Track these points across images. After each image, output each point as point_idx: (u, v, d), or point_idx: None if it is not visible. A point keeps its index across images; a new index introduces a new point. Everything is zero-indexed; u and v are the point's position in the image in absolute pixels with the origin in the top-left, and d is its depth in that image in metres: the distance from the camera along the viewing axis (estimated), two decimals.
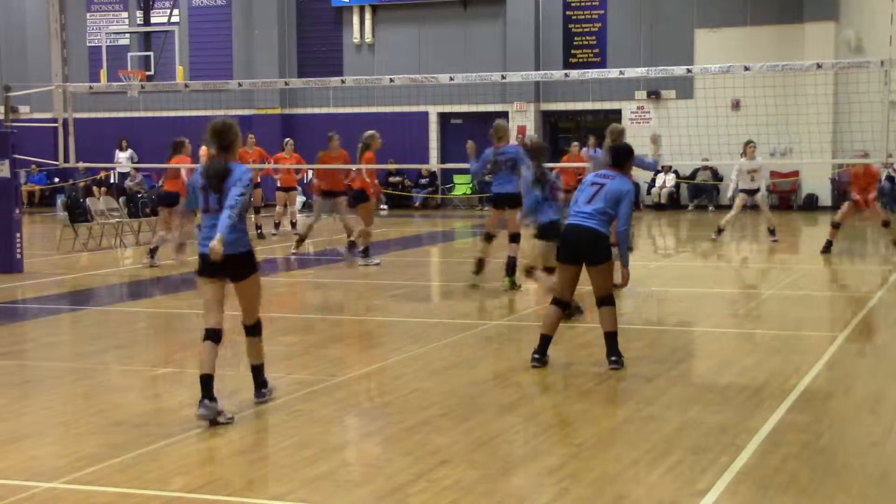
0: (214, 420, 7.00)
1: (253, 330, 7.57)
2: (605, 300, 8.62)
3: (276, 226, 21.27)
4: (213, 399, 7.02)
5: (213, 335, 7.25)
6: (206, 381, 7.05)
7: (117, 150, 28.84)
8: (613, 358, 8.64)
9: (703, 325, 11.09)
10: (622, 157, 9.01)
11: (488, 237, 13.38)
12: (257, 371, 7.66)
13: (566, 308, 8.99)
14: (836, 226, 16.64)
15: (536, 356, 8.74)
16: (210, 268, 7.18)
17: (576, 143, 17.74)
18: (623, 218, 8.63)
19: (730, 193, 19.58)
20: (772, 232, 18.09)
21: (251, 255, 7.30)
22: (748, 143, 18.79)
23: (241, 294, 7.40)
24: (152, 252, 15.87)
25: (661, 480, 5.86)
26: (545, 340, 8.77)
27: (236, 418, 7.17)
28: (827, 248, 16.46)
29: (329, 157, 17.09)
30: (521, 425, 7.03)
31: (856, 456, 6.32)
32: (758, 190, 18.41)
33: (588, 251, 8.58)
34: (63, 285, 14.41)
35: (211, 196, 7.20)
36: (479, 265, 13.35)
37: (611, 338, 8.66)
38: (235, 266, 7.21)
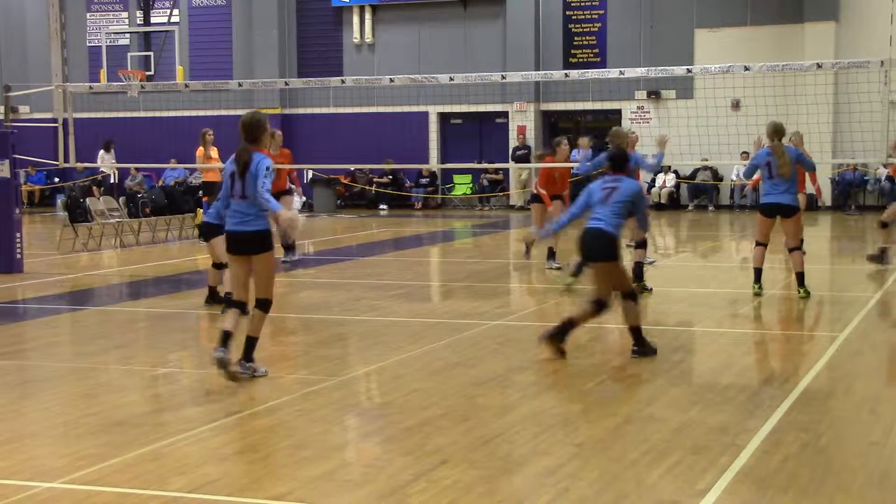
0: (226, 366, 7.96)
1: (260, 304, 8.31)
2: (626, 296, 8.96)
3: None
4: (227, 348, 7.97)
5: (238, 305, 8.28)
6: (225, 335, 8.05)
7: (101, 151, 28.32)
8: (635, 348, 9.04)
9: (703, 325, 11.09)
10: (623, 163, 9.38)
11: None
12: (248, 343, 8.32)
13: (606, 308, 9.08)
14: (884, 225, 15.21)
15: (554, 335, 9.12)
16: (235, 245, 8.24)
17: (566, 144, 17.73)
18: (643, 222, 9.76)
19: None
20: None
21: (268, 234, 8.23)
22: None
23: (256, 269, 8.26)
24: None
25: (661, 480, 5.86)
26: (562, 328, 9.18)
27: (267, 371, 8.28)
28: (881, 257, 14.85)
29: (272, 157, 16.68)
30: (521, 425, 7.03)
31: (856, 456, 6.32)
32: None
33: (594, 250, 8.87)
34: (63, 285, 14.41)
35: (236, 182, 8.18)
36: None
37: (633, 332, 9.03)
38: (253, 242, 8.18)
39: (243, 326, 8.29)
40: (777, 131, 12.12)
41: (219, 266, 11.83)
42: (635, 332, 9.03)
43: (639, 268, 12.61)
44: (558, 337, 9.06)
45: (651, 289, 12.65)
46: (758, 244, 12.38)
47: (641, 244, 12.72)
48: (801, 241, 12.35)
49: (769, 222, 12.22)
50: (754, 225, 12.72)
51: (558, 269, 14.37)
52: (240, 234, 8.20)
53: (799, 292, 12.03)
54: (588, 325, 10.69)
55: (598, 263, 8.89)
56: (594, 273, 9.01)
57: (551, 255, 14.71)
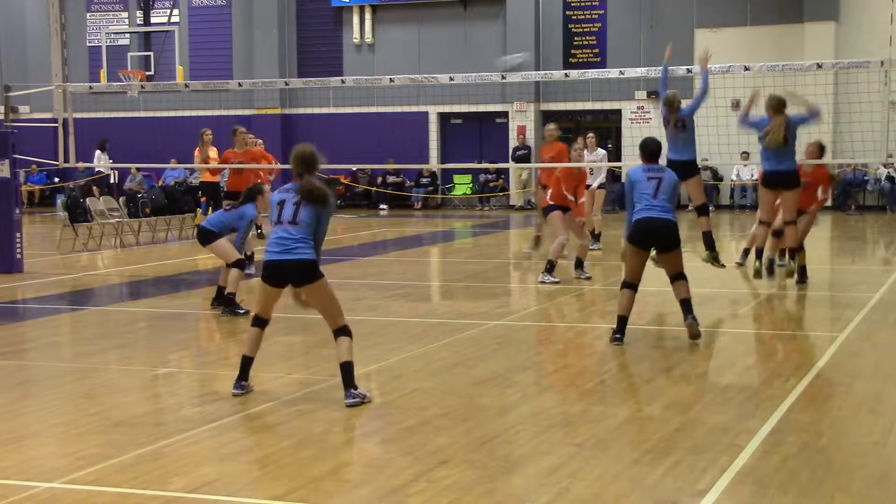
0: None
1: (344, 331, 7.71)
2: (680, 276, 9.76)
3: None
4: (246, 379, 7.82)
5: (260, 322, 7.85)
6: (246, 364, 7.84)
7: (97, 151, 28.23)
8: (690, 317, 9.66)
9: (703, 325, 11.08)
10: (657, 150, 9.97)
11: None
12: (348, 371, 7.64)
13: (636, 289, 9.72)
14: None
15: (617, 336, 9.61)
16: (273, 276, 7.67)
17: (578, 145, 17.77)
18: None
19: None
20: None
21: (314, 264, 7.62)
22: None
23: (317, 300, 7.76)
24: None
25: (661, 480, 5.86)
26: (622, 321, 9.66)
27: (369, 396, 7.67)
28: None
29: (235, 154, 16.34)
30: (521, 425, 7.03)
31: (856, 456, 6.32)
32: None
33: (666, 239, 9.66)
34: (63, 285, 14.41)
35: (289, 209, 7.59)
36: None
37: (686, 303, 9.71)
38: (297, 272, 7.62)
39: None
40: (771, 106, 12.27)
41: (237, 264, 11.64)
42: (686, 303, 9.73)
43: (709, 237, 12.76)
44: (690, 316, 9.69)
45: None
46: (760, 223, 12.51)
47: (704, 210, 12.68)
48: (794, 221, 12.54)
49: (772, 195, 12.36)
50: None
51: (587, 277, 13.70)
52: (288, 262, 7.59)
53: (787, 265, 12.44)
54: (588, 325, 10.70)
55: (674, 251, 9.71)
56: (668, 259, 9.77)
57: (579, 264, 13.91)
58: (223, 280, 11.78)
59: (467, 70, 25.87)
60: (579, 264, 13.99)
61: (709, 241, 12.50)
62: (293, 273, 7.60)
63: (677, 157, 12.30)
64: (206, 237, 11.44)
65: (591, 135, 18.80)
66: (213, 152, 18.31)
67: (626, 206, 10.04)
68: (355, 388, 7.59)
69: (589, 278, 13.83)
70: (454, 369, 8.80)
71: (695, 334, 9.66)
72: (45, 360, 9.55)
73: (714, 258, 12.47)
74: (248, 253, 13.99)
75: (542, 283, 13.50)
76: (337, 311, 7.72)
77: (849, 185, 26.49)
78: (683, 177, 11.46)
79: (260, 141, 22.08)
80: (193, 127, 19.55)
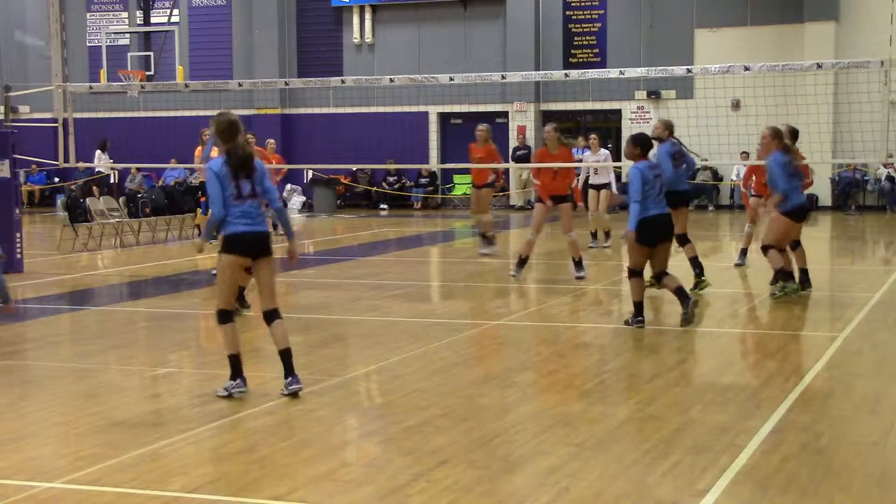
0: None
1: (276, 314, 7.92)
2: (666, 271, 10.51)
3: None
4: (243, 378, 7.83)
5: (230, 316, 7.89)
6: (236, 361, 7.83)
7: (98, 151, 28.16)
8: (690, 302, 10.40)
9: (703, 325, 11.09)
10: (651, 145, 10.74)
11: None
12: (286, 357, 7.87)
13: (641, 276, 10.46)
14: None
15: (639, 318, 10.35)
16: (247, 248, 7.74)
17: (587, 147, 17.91)
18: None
19: None
20: None
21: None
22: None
23: (264, 273, 7.85)
24: None
25: (661, 480, 5.86)
26: (640, 306, 10.40)
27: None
28: None
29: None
30: (521, 425, 7.03)
31: (856, 456, 6.32)
32: None
33: (669, 230, 10.50)
34: (63, 285, 14.41)
35: (246, 184, 7.75)
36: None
37: (680, 291, 10.43)
38: (265, 243, 7.85)
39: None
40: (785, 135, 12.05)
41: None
42: (680, 291, 10.42)
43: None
44: (686, 303, 10.36)
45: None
46: (781, 251, 11.92)
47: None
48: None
49: (798, 226, 12.14)
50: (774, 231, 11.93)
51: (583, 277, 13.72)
52: (258, 234, 7.75)
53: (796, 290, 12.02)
54: (588, 324, 10.71)
55: (668, 243, 10.40)
56: (665, 249, 10.38)
57: (521, 262, 13.93)
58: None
59: (467, 70, 25.91)
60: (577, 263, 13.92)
61: (699, 266, 12.58)
62: (262, 244, 7.77)
63: (676, 188, 12.22)
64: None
65: (593, 136, 18.82)
66: (214, 152, 18.29)
67: (633, 198, 10.21)
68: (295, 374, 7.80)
69: (581, 278, 13.77)
70: (454, 369, 8.80)
71: (690, 320, 10.36)
72: (45, 360, 9.54)
73: (704, 284, 12.55)
74: None
75: (513, 276, 13.93)
76: (275, 288, 7.94)
77: (849, 185, 26.49)
78: (675, 206, 11.60)
79: (271, 140, 22.13)
80: (193, 127, 19.54)
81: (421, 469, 6.06)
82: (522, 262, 13.93)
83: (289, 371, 7.79)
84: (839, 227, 22.74)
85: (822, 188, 26.39)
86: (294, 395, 7.72)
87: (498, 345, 10.11)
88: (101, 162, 27.80)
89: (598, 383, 8.33)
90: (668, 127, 12.60)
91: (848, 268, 15.90)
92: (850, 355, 9.31)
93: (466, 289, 13.67)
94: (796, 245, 12.51)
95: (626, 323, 10.47)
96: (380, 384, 8.48)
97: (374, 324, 10.99)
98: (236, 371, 7.85)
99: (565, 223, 13.95)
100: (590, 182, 18.16)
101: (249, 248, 7.71)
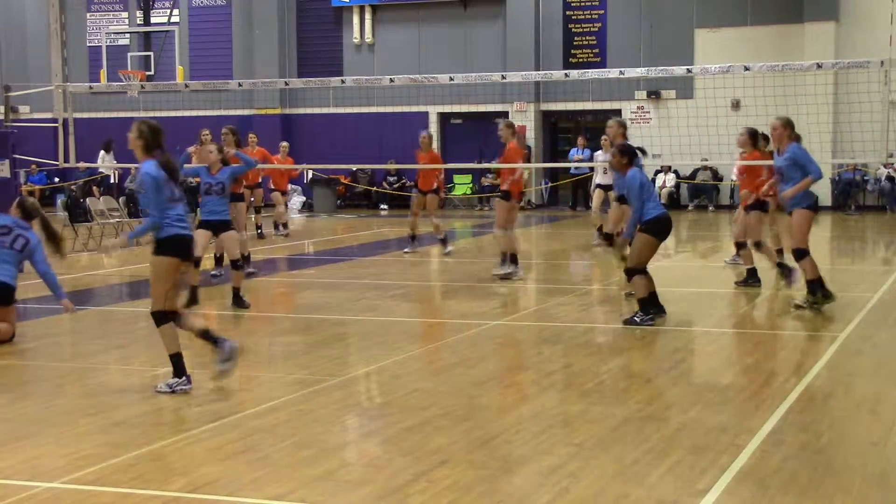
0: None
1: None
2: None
3: (284, 226, 21.28)
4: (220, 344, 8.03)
5: (171, 316, 8.08)
6: (180, 358, 8.02)
7: (102, 151, 28.07)
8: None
9: (703, 325, 11.09)
10: (636, 154, 11.20)
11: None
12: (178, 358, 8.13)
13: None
14: None
15: (650, 316, 10.52)
16: (187, 251, 8.10)
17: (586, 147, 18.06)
18: None
19: None
20: None
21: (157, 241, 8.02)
22: None
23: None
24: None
25: (661, 480, 5.86)
26: (653, 296, 10.67)
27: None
28: None
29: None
30: (521, 425, 7.03)
31: (856, 456, 6.32)
32: None
33: (669, 231, 10.87)
34: (63, 285, 14.38)
35: (175, 187, 8.07)
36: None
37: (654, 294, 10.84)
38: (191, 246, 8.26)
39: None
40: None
41: (238, 265, 12.06)
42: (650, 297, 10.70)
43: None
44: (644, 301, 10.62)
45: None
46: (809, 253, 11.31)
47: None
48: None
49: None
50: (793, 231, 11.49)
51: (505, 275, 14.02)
52: (190, 237, 8.15)
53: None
54: (588, 325, 10.71)
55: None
56: (654, 248, 10.71)
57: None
58: (237, 280, 12.05)
59: (467, 70, 25.91)
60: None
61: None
62: (191, 247, 8.18)
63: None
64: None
65: (605, 137, 18.84)
66: (214, 153, 18.26)
67: (636, 203, 10.49)
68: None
69: (508, 276, 14.00)
70: (454, 369, 8.80)
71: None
72: (45, 360, 9.55)
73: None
74: (245, 253, 14.08)
75: (496, 275, 14.12)
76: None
77: (849, 185, 26.49)
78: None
79: (284, 143, 22.11)
80: (193, 127, 19.53)
81: (421, 469, 6.06)
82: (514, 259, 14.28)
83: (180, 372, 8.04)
84: (839, 227, 22.74)
85: (822, 188, 26.36)
86: (169, 391, 7.93)
87: (498, 345, 10.11)
88: (105, 163, 27.81)
89: (598, 383, 8.33)
90: (623, 125, 12.68)
91: (848, 268, 15.90)
92: (850, 355, 9.31)
93: (466, 289, 13.66)
94: (760, 245, 13.03)
95: (627, 322, 10.47)
96: (380, 384, 8.48)
97: (374, 324, 10.99)
98: (180, 369, 8.00)
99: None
100: (597, 182, 18.27)
101: (186, 250, 8.07)
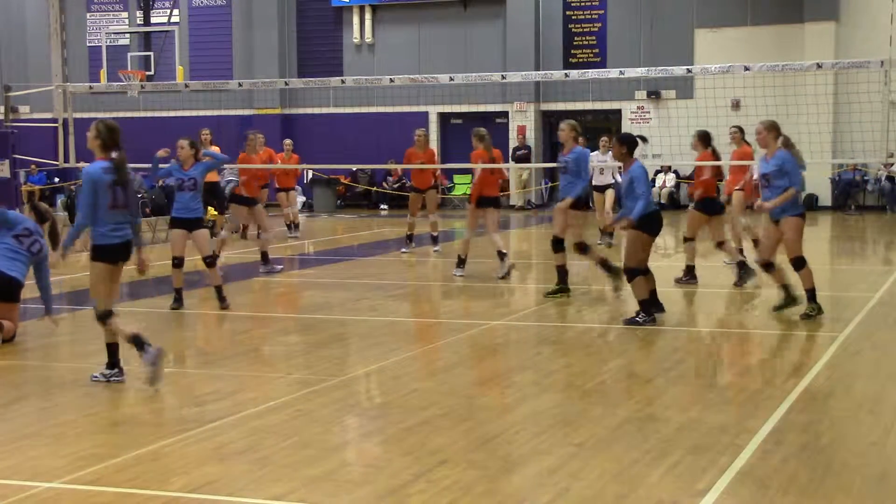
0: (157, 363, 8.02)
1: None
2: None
3: (295, 226, 21.29)
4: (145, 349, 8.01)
5: (112, 313, 8.27)
6: (115, 350, 8.25)
7: None
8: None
9: (703, 325, 11.09)
10: (636, 143, 11.16)
11: None
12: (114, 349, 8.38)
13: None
14: None
15: (652, 317, 10.56)
16: (124, 255, 8.33)
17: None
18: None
19: None
20: None
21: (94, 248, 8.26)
22: None
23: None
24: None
25: (661, 480, 5.86)
26: (653, 294, 10.74)
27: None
28: None
29: (249, 158, 16.33)
30: (521, 425, 7.03)
31: (856, 456, 6.32)
32: None
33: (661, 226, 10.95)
34: (63, 285, 14.40)
35: (120, 193, 8.19)
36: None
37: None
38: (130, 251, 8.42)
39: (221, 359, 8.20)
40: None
41: (210, 262, 12.21)
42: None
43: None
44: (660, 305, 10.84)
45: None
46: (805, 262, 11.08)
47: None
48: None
49: None
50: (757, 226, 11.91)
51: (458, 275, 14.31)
52: (127, 242, 8.35)
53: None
54: (588, 324, 10.70)
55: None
56: (650, 245, 10.74)
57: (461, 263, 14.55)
58: (216, 279, 12.11)
59: (467, 70, 25.90)
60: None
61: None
62: (128, 250, 8.31)
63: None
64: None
65: (604, 138, 18.85)
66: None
67: (641, 194, 10.52)
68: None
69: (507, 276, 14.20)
70: (454, 369, 8.80)
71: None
72: (45, 360, 9.55)
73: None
74: (265, 251, 15.07)
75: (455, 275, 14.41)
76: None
77: (849, 185, 26.49)
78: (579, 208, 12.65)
79: (288, 141, 22.08)
80: (193, 127, 19.51)
81: (421, 469, 6.06)
82: (461, 261, 14.56)
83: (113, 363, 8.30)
84: (839, 227, 22.74)
85: (822, 188, 26.39)
86: (105, 379, 8.19)
87: (498, 345, 10.11)
88: None
89: (598, 383, 8.33)
90: (575, 128, 12.61)
91: (848, 268, 15.90)
92: (850, 355, 9.31)
93: (466, 289, 13.67)
94: (722, 244, 13.36)
95: (629, 322, 10.46)
96: (379, 384, 8.48)
97: (374, 324, 10.99)
98: (115, 359, 8.26)
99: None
100: (593, 182, 18.21)
101: (119, 256, 8.25)
